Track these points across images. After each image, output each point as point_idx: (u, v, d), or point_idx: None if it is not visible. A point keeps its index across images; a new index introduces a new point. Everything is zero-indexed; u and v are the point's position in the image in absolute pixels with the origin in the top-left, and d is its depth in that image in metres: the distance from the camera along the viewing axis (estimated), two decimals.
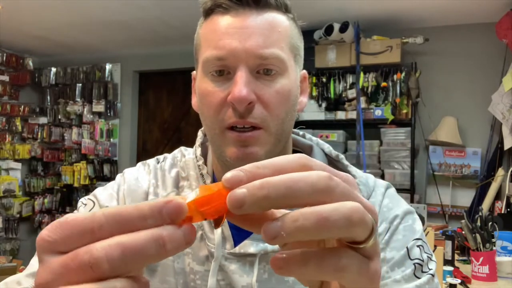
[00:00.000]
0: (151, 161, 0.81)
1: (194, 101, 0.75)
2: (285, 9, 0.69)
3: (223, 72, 0.65)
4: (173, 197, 0.30)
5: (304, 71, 0.75)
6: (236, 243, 0.69)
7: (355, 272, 0.31)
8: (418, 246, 0.69)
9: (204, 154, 0.78)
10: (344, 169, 0.74)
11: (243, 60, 0.64)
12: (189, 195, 0.31)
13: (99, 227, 0.29)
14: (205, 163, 0.76)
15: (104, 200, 0.75)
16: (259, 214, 0.32)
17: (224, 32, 0.65)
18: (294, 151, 0.78)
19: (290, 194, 0.29)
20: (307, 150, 0.78)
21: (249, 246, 0.68)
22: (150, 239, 0.28)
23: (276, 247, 0.67)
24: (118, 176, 0.80)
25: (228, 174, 0.30)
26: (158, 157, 0.82)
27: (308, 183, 0.30)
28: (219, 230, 0.69)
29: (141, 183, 0.77)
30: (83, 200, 0.77)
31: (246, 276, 0.67)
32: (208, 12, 0.69)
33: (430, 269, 0.68)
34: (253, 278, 0.67)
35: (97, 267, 0.28)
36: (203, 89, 0.67)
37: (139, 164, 0.81)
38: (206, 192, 0.32)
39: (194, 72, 0.75)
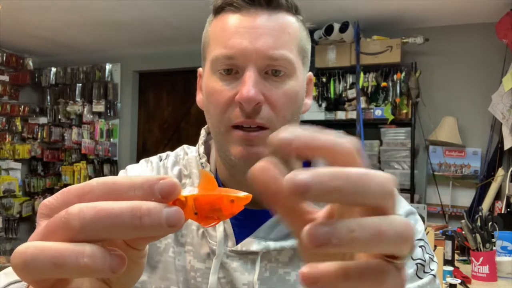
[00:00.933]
0: (154, 159, 0.81)
1: (199, 98, 0.74)
2: (295, 11, 0.69)
3: (231, 71, 0.65)
4: (170, 176, 0.30)
5: (310, 73, 0.75)
6: (238, 240, 0.69)
7: (391, 285, 0.29)
8: (420, 246, 0.69)
9: (207, 152, 0.78)
10: None
11: (253, 60, 0.63)
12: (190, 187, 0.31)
13: (89, 192, 0.30)
14: (208, 161, 0.76)
15: None
16: (299, 211, 0.31)
17: (234, 31, 0.65)
18: None
19: (362, 191, 0.27)
20: None
21: (251, 244, 0.68)
22: (126, 208, 0.28)
23: (279, 246, 0.67)
24: (121, 172, 0.80)
25: (279, 135, 0.28)
26: (160, 154, 0.82)
27: (379, 183, 0.28)
28: (221, 228, 0.69)
29: None
30: None
31: (247, 274, 0.67)
32: (218, 10, 0.68)
33: (432, 270, 0.68)
34: (255, 276, 0.67)
35: (68, 223, 0.28)
36: (211, 87, 0.67)
37: (142, 161, 0.81)
38: (208, 184, 0.32)
39: (200, 69, 0.74)
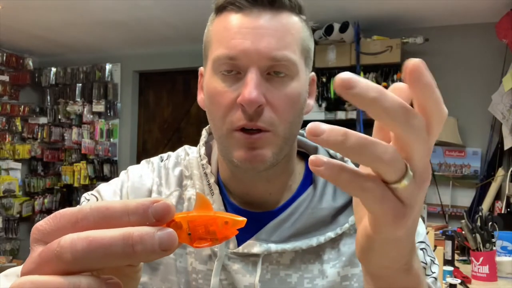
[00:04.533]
0: (155, 159, 0.80)
1: (201, 98, 0.73)
2: (298, 11, 0.68)
3: (232, 71, 0.64)
4: (163, 199, 0.30)
5: (313, 73, 0.74)
6: (240, 242, 0.69)
7: (376, 200, 0.34)
8: (421, 249, 0.69)
9: (208, 153, 0.77)
10: None
11: (255, 62, 0.63)
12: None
13: (82, 219, 0.30)
14: (209, 162, 0.76)
15: (107, 196, 0.74)
16: None
17: (236, 31, 0.64)
18: (299, 152, 0.78)
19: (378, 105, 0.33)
20: (312, 151, 0.78)
21: (253, 246, 0.68)
22: (118, 236, 0.28)
23: (280, 248, 0.67)
24: (122, 173, 0.79)
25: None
26: (162, 155, 0.81)
27: (389, 102, 0.32)
28: None
29: (145, 181, 0.76)
30: (86, 195, 0.77)
31: (249, 276, 0.67)
32: (220, 9, 0.67)
33: (433, 272, 0.68)
34: (256, 278, 0.67)
35: (61, 256, 0.28)
36: (212, 88, 0.66)
37: (143, 162, 0.81)
38: (203, 208, 0.32)
39: (201, 68, 0.73)
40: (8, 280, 0.64)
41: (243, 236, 0.69)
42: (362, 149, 0.32)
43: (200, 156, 0.76)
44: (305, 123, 0.76)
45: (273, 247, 0.67)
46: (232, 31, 0.64)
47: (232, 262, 0.68)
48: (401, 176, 0.34)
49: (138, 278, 0.37)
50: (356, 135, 0.32)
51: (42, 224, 0.31)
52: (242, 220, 0.33)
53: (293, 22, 0.66)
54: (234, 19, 0.65)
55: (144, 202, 0.30)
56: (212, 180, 0.72)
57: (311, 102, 0.74)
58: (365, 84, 0.31)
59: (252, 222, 0.69)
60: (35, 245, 0.31)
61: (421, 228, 0.72)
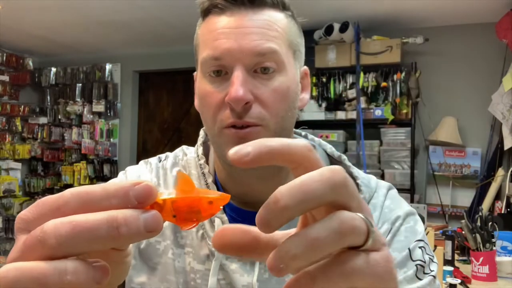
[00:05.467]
0: (153, 160, 0.80)
1: (196, 102, 0.75)
2: (282, 7, 0.68)
3: (220, 72, 0.65)
4: (145, 180, 0.30)
5: (305, 67, 0.74)
6: None
7: (365, 270, 0.29)
8: (420, 247, 0.69)
9: (206, 153, 0.77)
10: (346, 170, 0.74)
11: (239, 59, 0.63)
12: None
13: (64, 205, 0.29)
14: (207, 162, 0.76)
15: None
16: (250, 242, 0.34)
17: (220, 32, 0.65)
18: None
19: (308, 198, 0.28)
20: None
21: None
22: (102, 219, 0.28)
23: None
24: (120, 174, 0.80)
25: (234, 150, 0.29)
26: (160, 155, 0.82)
27: (324, 182, 0.28)
28: None
29: None
30: None
31: (246, 276, 0.67)
32: (206, 13, 0.69)
33: (432, 271, 0.68)
34: (254, 277, 0.67)
35: (45, 242, 0.28)
36: (202, 90, 0.68)
37: (141, 162, 0.81)
38: (185, 186, 0.32)
39: (195, 73, 0.75)
40: None
41: None
42: (314, 246, 0.28)
43: (198, 156, 0.76)
44: (306, 122, 0.76)
45: None
46: (216, 32, 0.65)
47: (229, 261, 0.68)
48: (367, 235, 0.30)
49: (127, 263, 0.36)
50: (300, 236, 0.28)
51: (25, 213, 0.31)
52: (225, 196, 0.32)
53: (277, 18, 0.67)
54: (218, 21, 0.66)
55: (125, 184, 0.29)
56: (210, 180, 0.73)
57: (306, 96, 0.74)
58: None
59: (250, 222, 0.69)
60: (19, 234, 0.30)
61: (420, 226, 0.72)
